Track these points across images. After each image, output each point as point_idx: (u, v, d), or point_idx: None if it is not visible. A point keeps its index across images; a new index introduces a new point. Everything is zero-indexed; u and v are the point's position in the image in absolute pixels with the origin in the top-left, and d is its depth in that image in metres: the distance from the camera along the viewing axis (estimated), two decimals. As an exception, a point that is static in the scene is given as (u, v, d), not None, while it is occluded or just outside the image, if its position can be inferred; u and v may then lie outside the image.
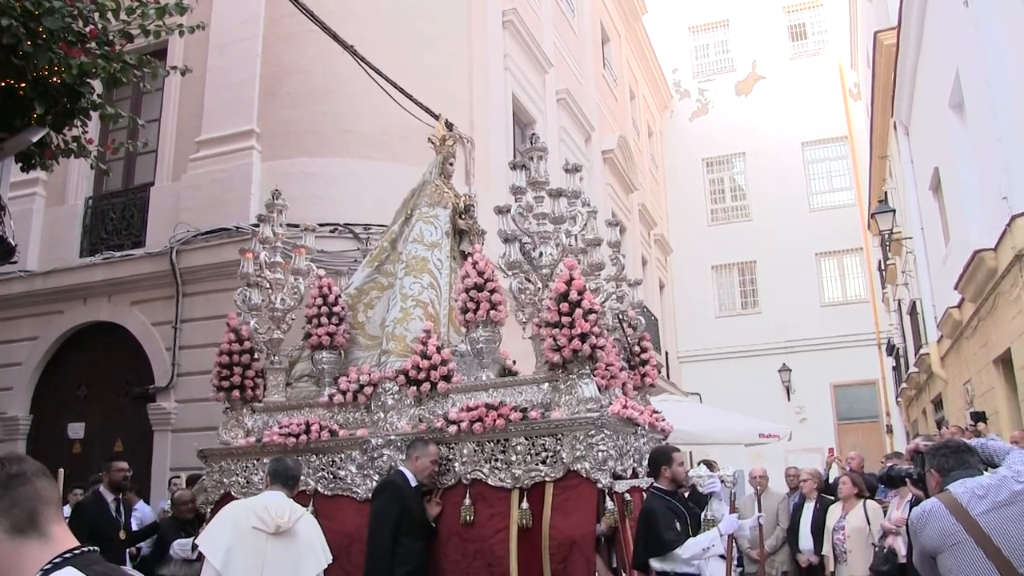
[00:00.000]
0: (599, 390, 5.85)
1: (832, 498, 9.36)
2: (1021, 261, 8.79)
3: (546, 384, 5.90)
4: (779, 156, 27.08)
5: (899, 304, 20.99)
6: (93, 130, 9.95)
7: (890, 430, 23.59)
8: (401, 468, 5.80)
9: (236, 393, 6.93)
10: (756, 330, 25.61)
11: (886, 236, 17.58)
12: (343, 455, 6.36)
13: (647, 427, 6.58)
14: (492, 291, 6.14)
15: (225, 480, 6.75)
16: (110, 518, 7.69)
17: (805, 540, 9.39)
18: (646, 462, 6.27)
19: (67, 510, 7.63)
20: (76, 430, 11.45)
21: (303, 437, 6.42)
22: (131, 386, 11.24)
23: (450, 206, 7.52)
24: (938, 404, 16.70)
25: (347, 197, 10.91)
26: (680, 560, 5.56)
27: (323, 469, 6.42)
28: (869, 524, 8.49)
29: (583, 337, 5.53)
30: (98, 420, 11.39)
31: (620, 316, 7.07)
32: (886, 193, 20.21)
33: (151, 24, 7.73)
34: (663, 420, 7.06)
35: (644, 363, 7.35)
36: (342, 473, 6.34)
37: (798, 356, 24.84)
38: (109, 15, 7.59)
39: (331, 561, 5.05)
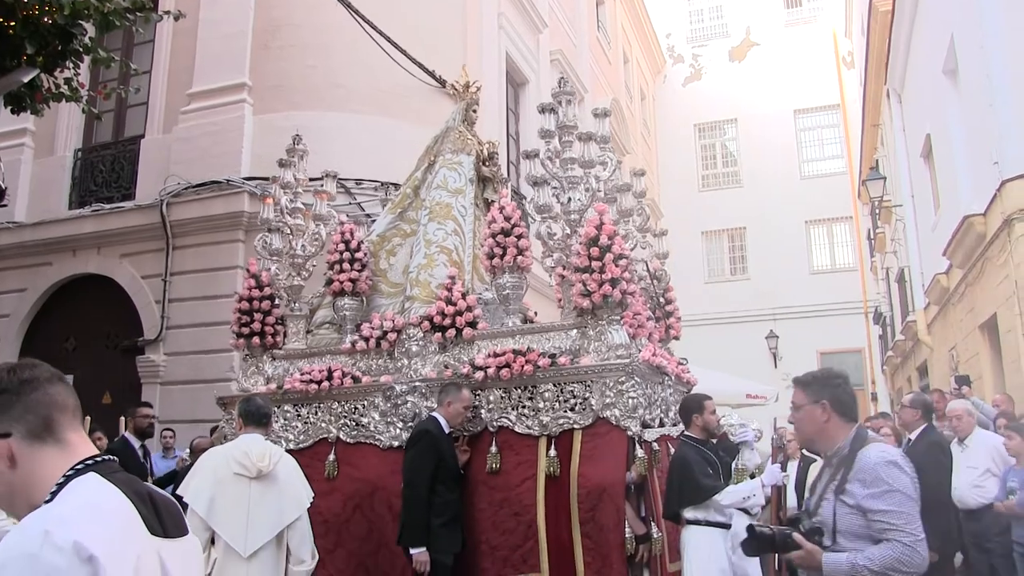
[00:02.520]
0: (628, 338, 5.78)
1: (814, 456, 9.49)
2: (1010, 226, 8.91)
3: (574, 330, 5.83)
4: (771, 123, 27.21)
5: (887, 272, 21.19)
6: (84, 79, 9.89)
7: (875, 398, 23.91)
8: (434, 414, 5.69)
9: (256, 340, 6.82)
10: (744, 296, 25.81)
11: (876, 204, 17.68)
12: (366, 402, 6.31)
13: (674, 378, 6.55)
14: (519, 236, 6.10)
15: (244, 428, 6.70)
16: (139, 464, 7.67)
17: (790, 498, 9.52)
18: (672, 412, 6.23)
19: None
20: (64, 382, 11.44)
21: (325, 384, 6.36)
22: (120, 339, 11.31)
23: (474, 153, 7.44)
24: (923, 372, 16.94)
25: (339, 151, 10.91)
26: (718, 507, 5.51)
27: (345, 416, 6.37)
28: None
29: (613, 282, 5.48)
30: (86, 372, 11.41)
31: (646, 266, 7.06)
32: (877, 161, 20.33)
33: (145, -34, 7.69)
34: (688, 372, 7.05)
35: (669, 315, 7.31)
36: (365, 420, 6.28)
37: (786, 323, 25.08)
38: None
39: (312, 498, 5.04)
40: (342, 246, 6.81)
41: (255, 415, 5.05)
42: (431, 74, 11.87)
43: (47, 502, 1.74)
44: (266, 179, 10.63)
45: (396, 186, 10.81)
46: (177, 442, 9.63)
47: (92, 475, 1.79)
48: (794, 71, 27.34)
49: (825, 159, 27.52)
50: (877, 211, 18.62)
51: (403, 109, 11.62)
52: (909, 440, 7.18)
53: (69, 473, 1.79)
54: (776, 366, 24.92)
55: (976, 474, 7.13)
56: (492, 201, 6.95)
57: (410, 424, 6.01)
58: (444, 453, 5.48)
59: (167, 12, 9.05)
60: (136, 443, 7.89)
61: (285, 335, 7.00)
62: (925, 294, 15.03)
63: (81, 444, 1.87)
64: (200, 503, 4.64)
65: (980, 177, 10.30)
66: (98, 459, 1.84)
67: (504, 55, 14.96)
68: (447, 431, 5.60)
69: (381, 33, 11.14)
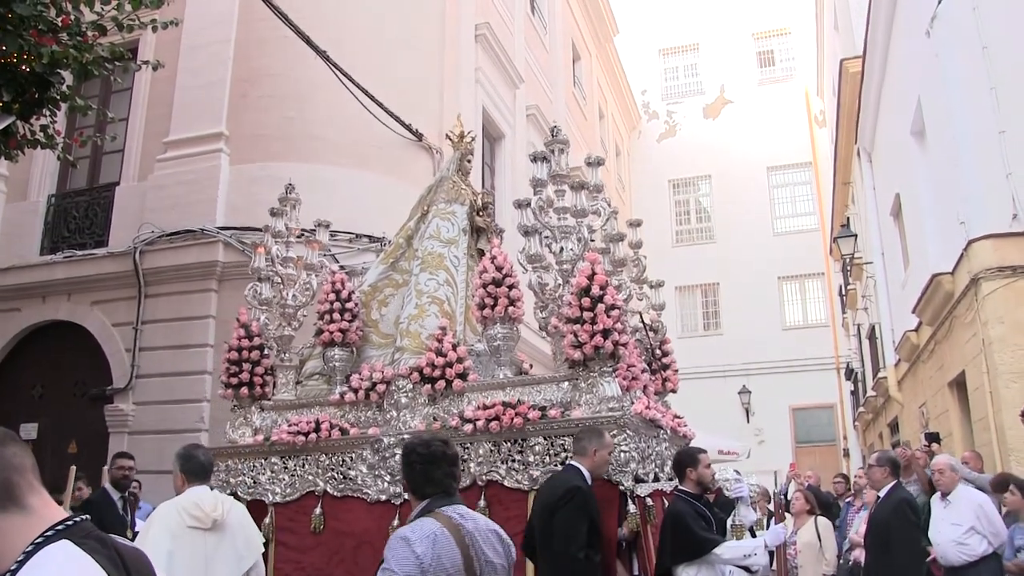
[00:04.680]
0: (620, 391, 5.67)
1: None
2: (977, 285, 9.10)
3: (566, 383, 5.74)
4: (744, 180, 27.76)
5: (859, 329, 21.46)
6: (60, 125, 9.92)
7: (847, 454, 24.08)
8: (576, 464, 5.09)
9: (244, 390, 6.75)
10: (718, 352, 26.03)
11: (847, 261, 18.00)
12: (353, 455, 6.23)
13: (669, 431, 6.42)
14: (511, 287, 6.05)
15: (232, 480, 6.58)
16: (119, 517, 7.47)
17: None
18: (667, 467, 6.09)
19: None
20: (29, 431, 11.33)
21: (312, 436, 6.30)
22: (88, 387, 11.24)
23: (468, 203, 7.42)
24: (894, 427, 17.09)
25: (314, 203, 10.92)
26: (716, 561, 5.33)
27: (333, 469, 6.29)
28: (820, 540, 8.71)
29: (605, 333, 5.38)
30: (53, 420, 11.32)
31: (640, 317, 7.02)
32: (848, 218, 20.71)
33: (125, 17, 7.74)
34: (685, 426, 6.94)
35: (665, 367, 7.21)
36: (352, 473, 6.19)
37: (758, 379, 25.32)
38: (83, 6, 7.59)
39: (264, 542, 4.98)
40: (332, 296, 6.78)
41: (200, 470, 4.98)
42: (408, 127, 12.03)
43: (12, 571, 1.66)
44: (241, 229, 10.72)
45: (371, 238, 10.92)
46: (144, 493, 9.50)
47: (64, 543, 1.71)
48: (767, 129, 28.00)
49: (797, 216, 28.07)
50: (848, 268, 18.91)
51: (379, 162, 11.75)
52: (879, 498, 7.24)
53: (38, 540, 1.71)
54: (749, 421, 25.09)
55: (960, 531, 7.16)
56: (485, 251, 6.84)
57: (398, 477, 5.85)
58: (594, 511, 4.94)
59: (146, 62, 9.10)
60: (115, 495, 7.74)
61: (274, 385, 6.95)
62: (895, 351, 15.22)
63: (44, 508, 1.80)
64: (159, 560, 4.55)
65: (948, 236, 10.51)
66: (68, 523, 1.77)
67: (481, 109, 15.16)
68: (589, 483, 5.07)
69: (358, 86, 11.30)
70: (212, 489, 5.01)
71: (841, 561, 8.50)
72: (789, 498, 10.48)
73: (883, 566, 7.09)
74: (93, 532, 1.79)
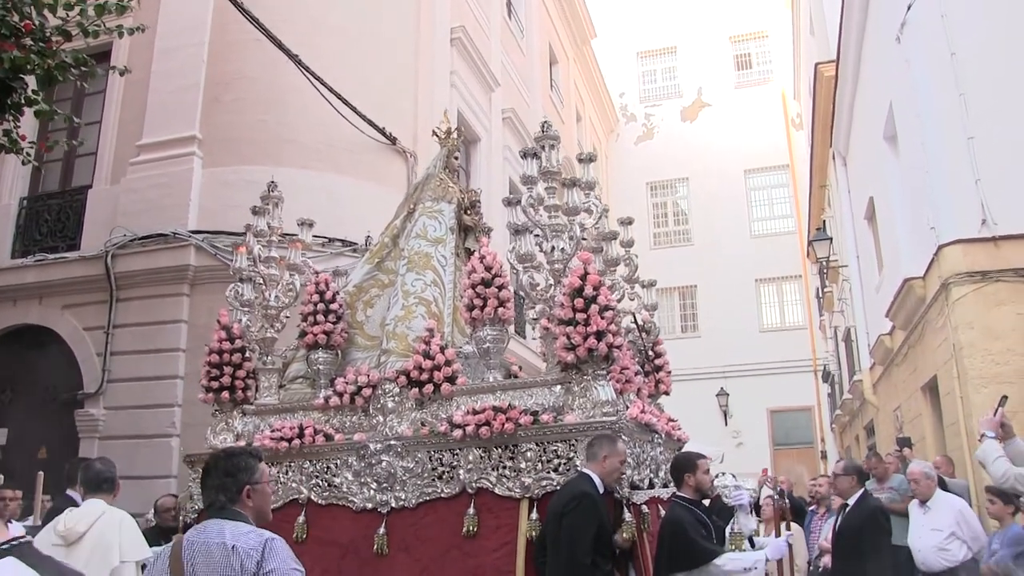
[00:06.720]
0: (615, 394, 5.55)
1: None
2: (947, 290, 9.19)
3: (558, 386, 5.61)
4: (722, 182, 28.01)
5: (835, 331, 21.63)
6: (31, 129, 9.86)
7: (824, 456, 24.24)
8: (586, 472, 5.06)
9: (226, 394, 6.59)
10: (695, 354, 26.05)
11: (823, 264, 18.09)
12: (338, 461, 6.09)
13: (664, 436, 6.33)
14: (500, 287, 5.93)
15: (212, 487, 6.48)
16: None
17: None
18: (663, 472, 6.03)
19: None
20: (-3, 435, 11.25)
21: (296, 441, 6.16)
22: (59, 391, 11.19)
23: (455, 201, 7.31)
24: (870, 430, 17.25)
25: (287, 207, 10.90)
26: (716, 573, 5.21)
27: (317, 476, 6.14)
28: (789, 546, 8.73)
29: (599, 335, 5.27)
30: (22, 426, 11.26)
31: (633, 318, 6.92)
32: (824, 222, 20.87)
33: (90, 24, 7.69)
34: (680, 429, 6.89)
35: (658, 369, 7.11)
36: (337, 480, 6.05)
37: (736, 381, 25.53)
38: (46, 11, 7.55)
39: (142, 557, 4.90)
40: (316, 297, 6.68)
41: (94, 481, 4.97)
42: (381, 131, 12.05)
43: None
44: (214, 233, 10.71)
45: (344, 242, 10.92)
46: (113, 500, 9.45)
47: (9, 559, 1.92)
48: (744, 132, 28.31)
49: (775, 218, 28.38)
50: (824, 271, 19.03)
51: (354, 165, 11.77)
52: (846, 506, 7.30)
53: None
54: (726, 423, 25.23)
55: (941, 537, 7.30)
56: (473, 251, 6.68)
57: (384, 485, 5.84)
58: (603, 518, 4.93)
59: (113, 67, 9.05)
60: (80, 501, 7.65)
61: (256, 389, 6.82)
62: (870, 354, 15.37)
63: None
64: None
65: (919, 241, 10.63)
66: (13, 543, 1.97)
67: (456, 113, 15.15)
68: (601, 491, 5.03)
69: (331, 90, 11.32)
70: (111, 501, 5.02)
71: (811, 568, 8.58)
72: (760, 503, 10.53)
73: (854, 572, 7.14)
74: (36, 552, 2.01)
